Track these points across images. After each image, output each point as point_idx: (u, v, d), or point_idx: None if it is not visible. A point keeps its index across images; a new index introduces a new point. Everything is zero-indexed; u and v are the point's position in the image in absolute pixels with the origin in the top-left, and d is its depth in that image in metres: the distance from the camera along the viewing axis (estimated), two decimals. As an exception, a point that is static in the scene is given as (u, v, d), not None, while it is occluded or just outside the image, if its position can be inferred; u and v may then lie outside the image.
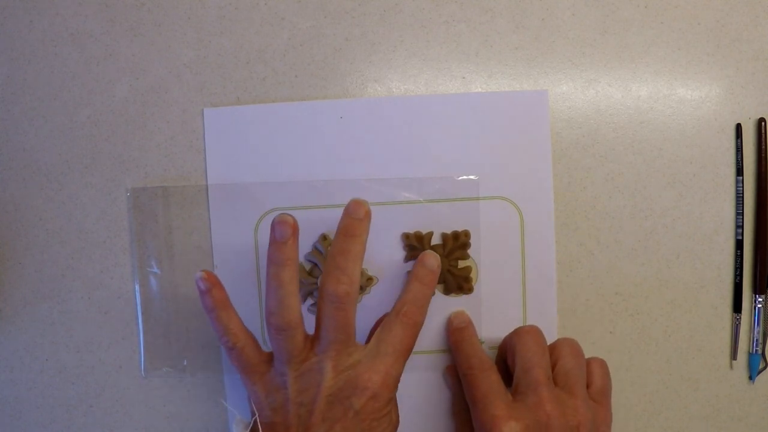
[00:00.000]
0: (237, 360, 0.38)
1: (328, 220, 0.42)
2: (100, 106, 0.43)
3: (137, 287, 0.43)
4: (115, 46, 0.43)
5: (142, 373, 0.43)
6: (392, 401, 0.38)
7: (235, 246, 0.43)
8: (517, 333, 0.39)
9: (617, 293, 0.43)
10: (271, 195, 0.42)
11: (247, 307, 0.42)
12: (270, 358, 0.38)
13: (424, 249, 0.42)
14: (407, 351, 0.38)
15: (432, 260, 0.40)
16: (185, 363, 0.43)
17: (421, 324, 0.39)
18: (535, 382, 0.36)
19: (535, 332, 0.39)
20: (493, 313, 0.43)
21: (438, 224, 0.42)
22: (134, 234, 0.43)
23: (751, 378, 0.44)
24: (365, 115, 0.42)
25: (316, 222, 0.42)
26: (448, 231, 0.42)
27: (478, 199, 0.42)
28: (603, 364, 0.40)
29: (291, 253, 0.36)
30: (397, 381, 0.37)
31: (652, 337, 0.44)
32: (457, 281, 0.42)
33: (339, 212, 0.37)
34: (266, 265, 0.36)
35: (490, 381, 0.37)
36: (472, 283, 0.42)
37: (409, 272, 0.42)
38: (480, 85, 0.43)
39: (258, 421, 0.37)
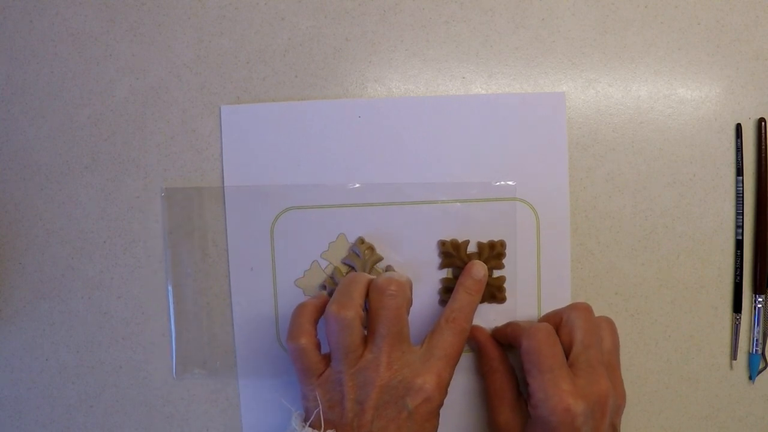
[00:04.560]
0: (301, 360, 0.38)
1: (349, 220, 0.42)
2: (100, 106, 0.43)
3: (170, 288, 0.43)
4: (115, 46, 0.43)
5: (174, 375, 0.43)
6: (441, 406, 0.38)
7: (251, 244, 0.43)
8: (576, 308, 0.39)
9: (617, 293, 0.43)
10: (288, 194, 0.42)
11: (263, 307, 0.43)
12: (327, 359, 0.38)
13: (460, 257, 0.42)
14: (457, 356, 0.39)
15: (479, 270, 0.41)
16: (217, 365, 0.43)
17: (468, 331, 0.40)
18: (596, 360, 0.37)
19: (591, 310, 0.39)
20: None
21: (474, 230, 0.42)
22: (166, 234, 0.43)
23: (751, 378, 0.44)
24: (384, 116, 0.42)
25: (334, 222, 0.42)
26: (484, 237, 0.42)
27: (510, 199, 0.42)
28: (612, 325, 0.40)
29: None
30: (448, 385, 0.38)
31: (652, 337, 0.44)
32: (491, 291, 0.42)
33: (359, 211, 0.40)
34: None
35: (556, 351, 0.37)
36: (505, 293, 0.42)
37: (443, 278, 0.42)
38: (480, 85, 0.43)
39: (321, 413, 0.37)
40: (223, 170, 0.43)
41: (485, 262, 0.42)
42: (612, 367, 0.38)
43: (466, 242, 0.42)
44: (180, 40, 0.43)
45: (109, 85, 0.43)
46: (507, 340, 0.41)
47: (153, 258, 0.43)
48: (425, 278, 0.42)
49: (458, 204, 0.42)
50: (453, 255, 0.42)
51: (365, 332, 0.38)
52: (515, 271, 0.42)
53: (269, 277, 0.43)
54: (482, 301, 0.42)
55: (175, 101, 0.43)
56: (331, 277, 0.42)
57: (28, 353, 0.44)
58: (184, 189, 0.43)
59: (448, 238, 0.42)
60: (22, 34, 0.43)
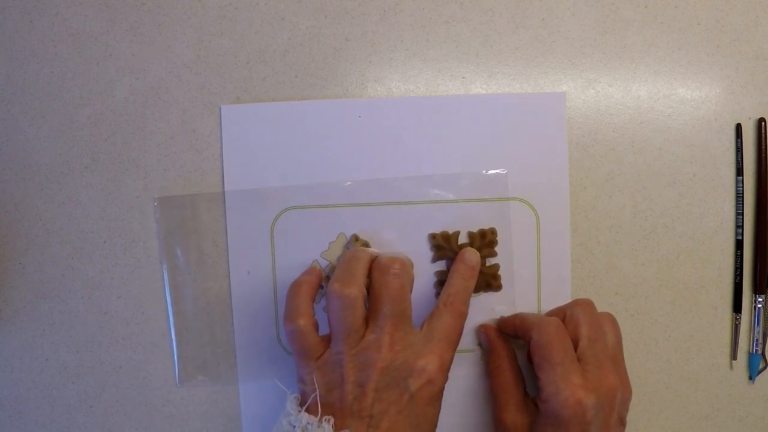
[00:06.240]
0: (299, 342, 0.37)
1: (349, 219, 0.42)
2: (100, 106, 0.43)
3: (168, 290, 0.43)
4: (115, 46, 0.43)
5: (177, 383, 0.43)
6: (443, 390, 0.38)
7: (251, 244, 0.43)
8: (579, 304, 0.39)
9: (617, 293, 0.43)
10: (288, 194, 0.42)
11: (263, 308, 0.43)
12: (326, 340, 0.38)
13: (451, 248, 0.42)
14: (457, 338, 0.39)
15: (471, 257, 0.41)
16: (220, 368, 0.43)
17: (466, 315, 0.40)
18: (602, 354, 0.37)
19: (593, 306, 0.40)
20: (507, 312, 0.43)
21: (468, 221, 0.42)
22: (162, 240, 0.43)
23: (751, 378, 0.44)
24: (384, 116, 0.42)
25: (333, 221, 0.42)
26: (476, 228, 0.42)
27: (507, 199, 0.42)
28: (614, 321, 0.40)
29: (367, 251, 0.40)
30: (449, 368, 0.38)
31: (652, 337, 0.44)
32: (486, 279, 0.42)
33: (359, 211, 0.40)
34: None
35: (566, 344, 0.37)
36: (500, 281, 0.42)
37: (437, 271, 0.42)
38: (480, 86, 0.43)
39: (318, 397, 0.36)
40: (223, 170, 0.43)
41: (477, 250, 0.42)
42: (617, 361, 0.39)
43: (457, 233, 0.42)
44: (180, 40, 0.43)
45: (109, 85, 0.43)
46: (514, 331, 0.41)
47: (153, 258, 0.43)
48: (419, 272, 0.42)
49: (454, 204, 0.42)
50: (444, 247, 0.42)
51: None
52: (510, 260, 0.42)
53: (269, 277, 0.43)
54: (478, 290, 0.42)
55: (175, 101, 0.43)
56: (330, 277, 0.43)
57: (28, 353, 0.44)
58: (178, 197, 0.43)
59: (439, 230, 0.42)
60: (22, 34, 0.43)
